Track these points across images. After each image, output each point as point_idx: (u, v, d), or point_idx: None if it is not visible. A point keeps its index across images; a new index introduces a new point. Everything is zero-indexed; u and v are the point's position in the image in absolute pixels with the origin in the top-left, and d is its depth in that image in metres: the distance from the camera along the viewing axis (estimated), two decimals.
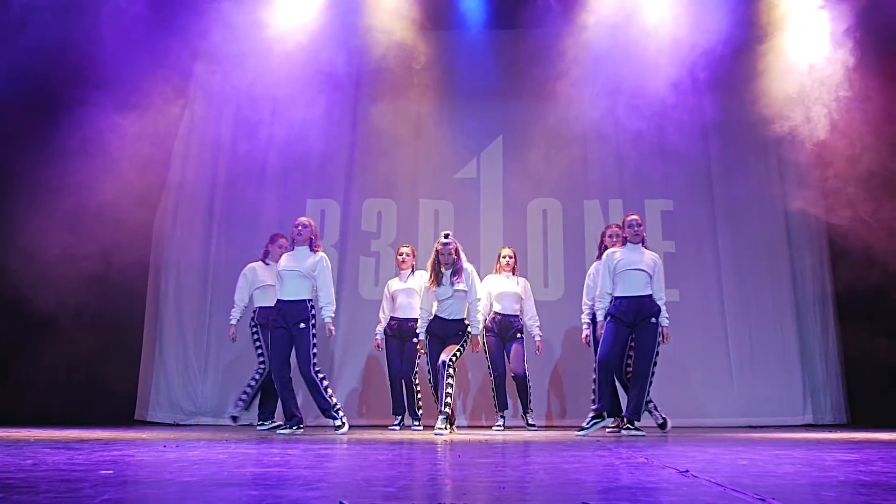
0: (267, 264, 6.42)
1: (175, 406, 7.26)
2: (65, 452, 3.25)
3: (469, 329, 5.62)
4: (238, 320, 6.34)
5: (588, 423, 5.32)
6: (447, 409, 5.33)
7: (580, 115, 7.65)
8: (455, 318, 5.63)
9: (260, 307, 6.30)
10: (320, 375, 5.49)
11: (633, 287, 5.42)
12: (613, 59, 7.49)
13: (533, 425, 6.35)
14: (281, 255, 5.88)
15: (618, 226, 5.95)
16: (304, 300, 5.56)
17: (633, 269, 5.45)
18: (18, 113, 6.82)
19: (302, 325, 5.48)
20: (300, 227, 5.67)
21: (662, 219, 7.67)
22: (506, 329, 6.29)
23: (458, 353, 5.51)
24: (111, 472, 2.40)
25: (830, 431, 6.03)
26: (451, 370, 5.37)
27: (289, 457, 3.12)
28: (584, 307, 6.12)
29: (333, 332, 5.65)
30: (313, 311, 5.56)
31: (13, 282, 6.43)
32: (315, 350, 5.51)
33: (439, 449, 3.74)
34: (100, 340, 7.03)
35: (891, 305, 6.57)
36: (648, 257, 5.54)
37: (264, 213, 7.73)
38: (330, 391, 5.55)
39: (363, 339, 7.42)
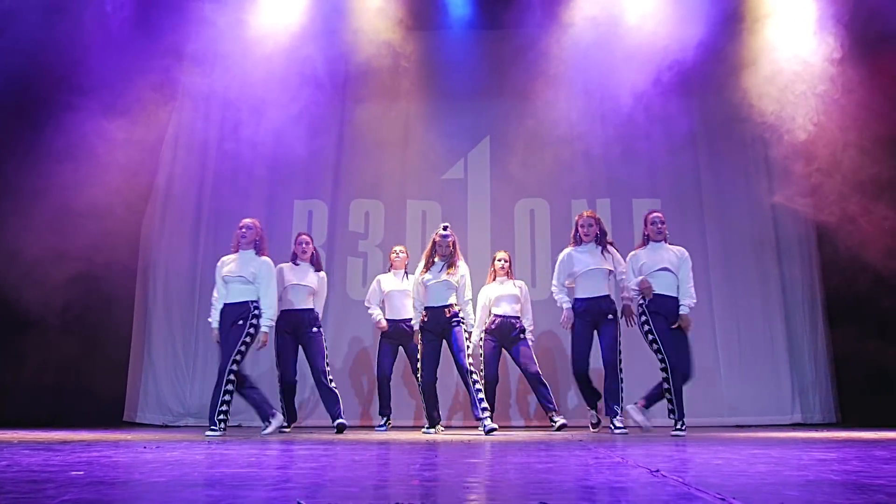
0: (297, 265, 6.09)
1: (164, 407, 7.25)
2: (43, 454, 3.24)
3: (462, 317, 5.57)
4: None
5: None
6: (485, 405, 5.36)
7: (567, 115, 7.69)
8: (441, 304, 5.52)
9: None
10: (230, 377, 5.23)
11: (664, 287, 5.40)
12: (599, 58, 7.51)
13: (564, 425, 5.95)
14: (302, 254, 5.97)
15: (590, 213, 5.88)
16: (248, 301, 5.37)
17: (660, 269, 5.43)
18: (2, 115, 6.81)
19: (241, 321, 5.30)
20: (244, 230, 5.48)
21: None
22: (507, 331, 6.16)
23: (468, 353, 5.47)
24: (81, 472, 2.39)
25: (817, 430, 6.04)
26: (474, 375, 5.38)
27: (265, 458, 3.11)
28: (555, 290, 5.82)
29: (266, 344, 5.42)
30: (256, 313, 5.35)
31: None
32: (240, 350, 5.27)
33: (419, 449, 3.73)
34: (88, 342, 7.03)
35: (880, 305, 6.56)
36: (672, 254, 5.52)
37: (252, 215, 7.67)
38: (227, 396, 5.24)
39: (351, 340, 7.43)
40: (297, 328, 5.85)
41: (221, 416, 5.18)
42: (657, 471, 2.49)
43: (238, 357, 5.25)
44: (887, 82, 6.62)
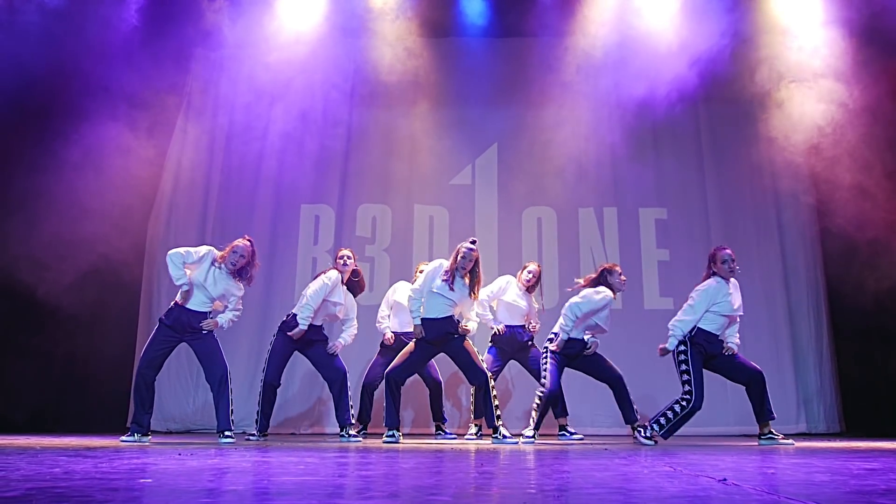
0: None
1: (167, 415, 7.14)
2: (84, 460, 3.15)
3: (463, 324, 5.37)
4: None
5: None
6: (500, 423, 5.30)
7: (575, 124, 7.73)
8: (445, 315, 5.28)
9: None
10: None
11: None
12: (608, 69, 7.59)
13: (573, 433, 5.91)
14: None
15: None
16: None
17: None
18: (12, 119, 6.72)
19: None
20: (238, 256, 5.19)
21: (656, 227, 7.72)
22: (512, 343, 6.06)
23: (482, 364, 5.40)
24: (150, 480, 2.33)
25: (829, 440, 6.08)
26: (494, 391, 5.30)
27: (314, 465, 3.06)
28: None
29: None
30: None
31: (4, 285, 6.30)
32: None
33: (461, 457, 3.69)
34: (92, 347, 6.91)
35: (886, 317, 6.63)
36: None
37: (258, 219, 7.68)
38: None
39: (358, 346, 7.36)
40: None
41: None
42: (724, 479, 2.48)
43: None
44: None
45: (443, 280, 5.25)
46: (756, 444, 5.27)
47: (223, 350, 5.26)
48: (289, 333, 5.56)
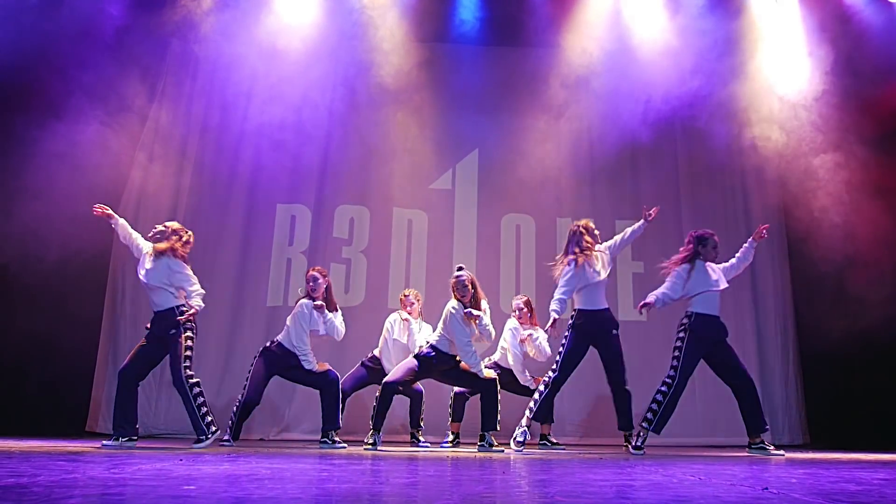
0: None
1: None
2: (86, 465, 2.99)
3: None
4: None
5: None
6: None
7: (556, 134, 7.77)
8: (453, 352, 5.36)
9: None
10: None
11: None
12: (593, 83, 7.65)
13: (556, 443, 5.94)
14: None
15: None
16: (172, 308, 5.06)
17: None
18: None
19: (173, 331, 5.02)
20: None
21: None
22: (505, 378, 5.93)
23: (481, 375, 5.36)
24: (193, 487, 2.21)
25: (800, 452, 6.22)
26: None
27: (337, 473, 2.97)
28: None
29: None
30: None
31: None
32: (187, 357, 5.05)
33: (481, 465, 3.63)
34: (54, 349, 6.61)
35: (852, 332, 6.83)
36: None
37: (231, 216, 7.49)
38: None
39: (331, 349, 7.24)
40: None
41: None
42: (766, 488, 2.50)
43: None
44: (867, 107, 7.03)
45: (464, 324, 5.24)
46: (738, 454, 5.35)
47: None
48: None
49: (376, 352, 6.03)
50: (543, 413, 5.62)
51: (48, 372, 6.75)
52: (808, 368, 7.56)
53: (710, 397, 7.36)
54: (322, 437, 5.46)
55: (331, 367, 5.59)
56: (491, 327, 5.29)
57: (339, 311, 5.73)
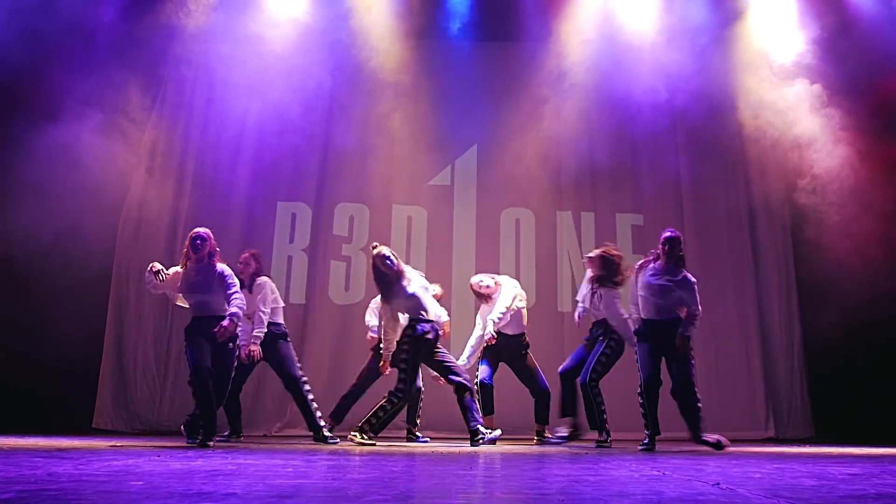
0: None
1: (132, 415, 7.04)
2: (62, 462, 3.06)
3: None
4: None
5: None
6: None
7: (555, 128, 7.75)
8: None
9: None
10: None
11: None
12: (591, 76, 7.62)
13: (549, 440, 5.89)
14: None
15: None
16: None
17: None
18: None
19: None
20: (199, 242, 4.83)
21: (633, 233, 7.78)
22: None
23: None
24: (140, 483, 2.26)
25: (799, 446, 6.14)
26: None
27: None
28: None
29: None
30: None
31: None
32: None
33: (478, 461, 3.66)
34: (60, 347, 6.72)
35: (856, 325, 6.74)
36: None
37: (233, 214, 7.56)
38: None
39: (332, 345, 7.30)
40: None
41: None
42: (718, 483, 2.49)
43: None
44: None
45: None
46: (728, 450, 5.30)
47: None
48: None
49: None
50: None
51: (54, 368, 6.84)
52: (813, 362, 7.46)
53: (713, 394, 7.28)
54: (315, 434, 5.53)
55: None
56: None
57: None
